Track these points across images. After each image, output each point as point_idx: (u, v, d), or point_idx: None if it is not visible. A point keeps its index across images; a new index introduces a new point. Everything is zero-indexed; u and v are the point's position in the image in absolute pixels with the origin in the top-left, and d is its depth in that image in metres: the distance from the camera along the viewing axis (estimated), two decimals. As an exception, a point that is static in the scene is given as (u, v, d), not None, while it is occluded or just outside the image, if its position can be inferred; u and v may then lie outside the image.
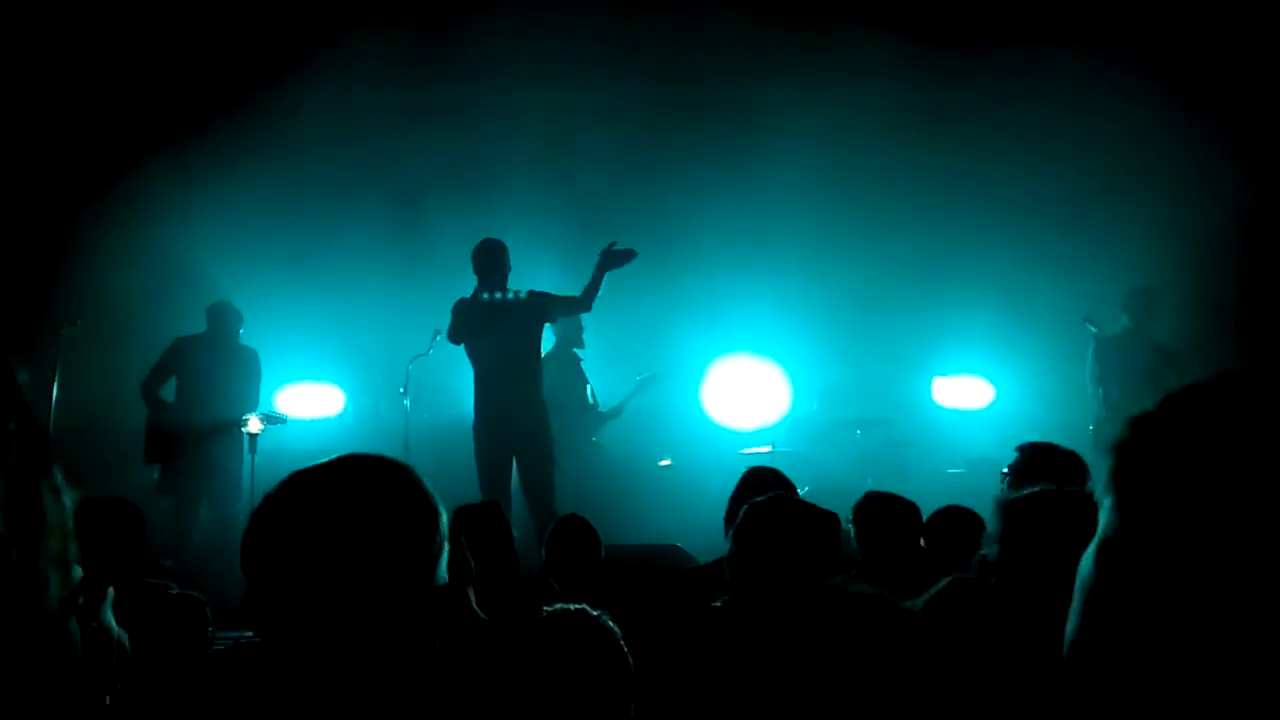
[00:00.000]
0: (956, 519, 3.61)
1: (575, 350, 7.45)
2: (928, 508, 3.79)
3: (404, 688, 1.18)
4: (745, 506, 2.67)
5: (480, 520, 3.65)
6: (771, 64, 8.04)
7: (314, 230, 8.02)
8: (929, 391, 8.47)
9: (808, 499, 2.90)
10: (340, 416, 8.39)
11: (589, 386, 7.52)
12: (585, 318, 7.15)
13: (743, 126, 8.06)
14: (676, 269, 8.10)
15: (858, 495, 3.95)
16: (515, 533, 3.93)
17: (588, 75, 7.91)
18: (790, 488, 3.69)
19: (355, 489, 1.24)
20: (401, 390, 6.99)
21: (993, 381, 8.30)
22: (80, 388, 6.52)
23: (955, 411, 8.38)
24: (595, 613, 2.02)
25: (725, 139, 8.12)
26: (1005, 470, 3.11)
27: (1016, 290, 7.65)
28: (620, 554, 4.82)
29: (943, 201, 8.02)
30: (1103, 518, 0.92)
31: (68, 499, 0.95)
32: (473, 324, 6.08)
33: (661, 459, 7.87)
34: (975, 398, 8.39)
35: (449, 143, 8.13)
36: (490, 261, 6.16)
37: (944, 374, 8.43)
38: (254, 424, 6.59)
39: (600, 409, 7.56)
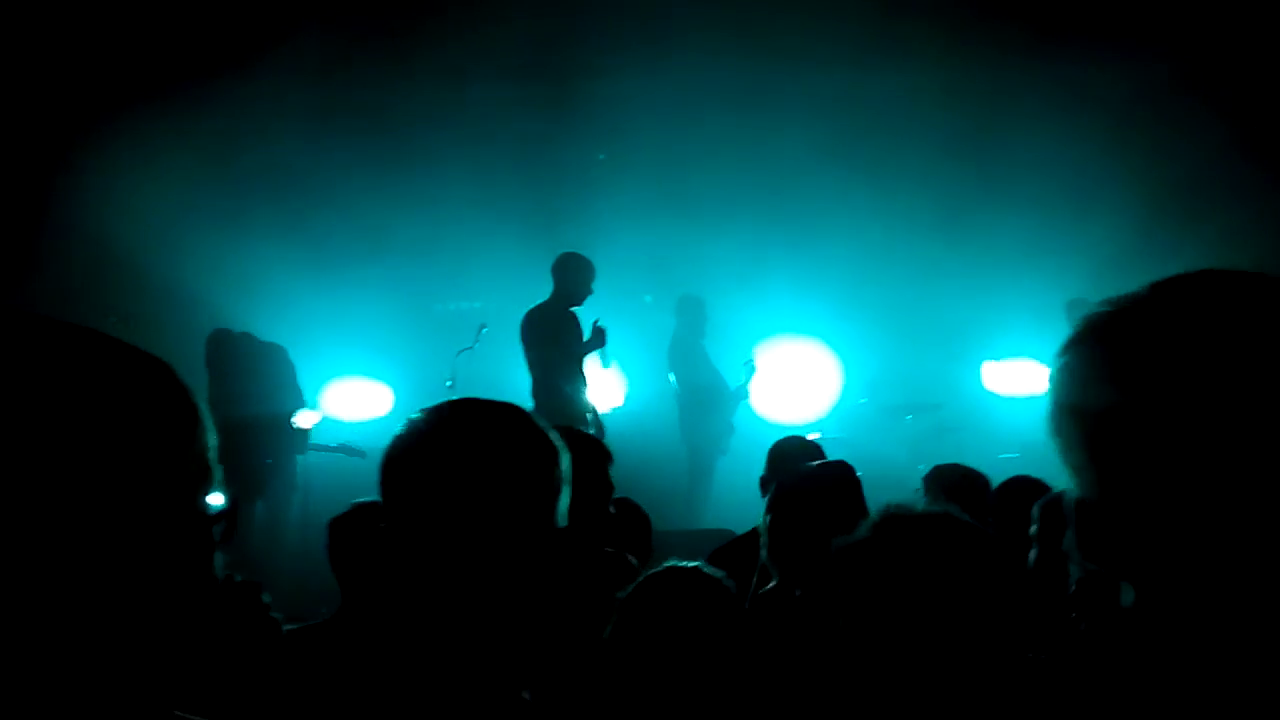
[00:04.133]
0: (1025, 490, 3.52)
1: (701, 341, 7.45)
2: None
3: (523, 626, 1.25)
4: (774, 484, 2.70)
5: None
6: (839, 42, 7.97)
7: (356, 225, 8.07)
8: (978, 377, 8.37)
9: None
10: (390, 416, 8.45)
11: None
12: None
13: (800, 111, 7.99)
14: (725, 254, 8.06)
15: (910, 482, 3.90)
16: None
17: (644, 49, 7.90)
18: (821, 455, 3.67)
19: (482, 428, 1.30)
20: (449, 384, 7.03)
21: (1047, 365, 8.11)
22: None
23: (1005, 398, 8.25)
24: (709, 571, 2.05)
25: (780, 121, 8.04)
26: None
27: (1070, 273, 7.54)
28: (671, 539, 4.81)
29: (996, 188, 7.92)
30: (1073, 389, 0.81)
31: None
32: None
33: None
34: (1028, 383, 8.23)
35: (498, 134, 8.12)
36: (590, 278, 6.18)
37: (995, 358, 8.32)
38: (304, 419, 6.68)
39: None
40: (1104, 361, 0.80)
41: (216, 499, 0.91)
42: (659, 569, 2.05)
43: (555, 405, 5.80)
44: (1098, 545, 0.79)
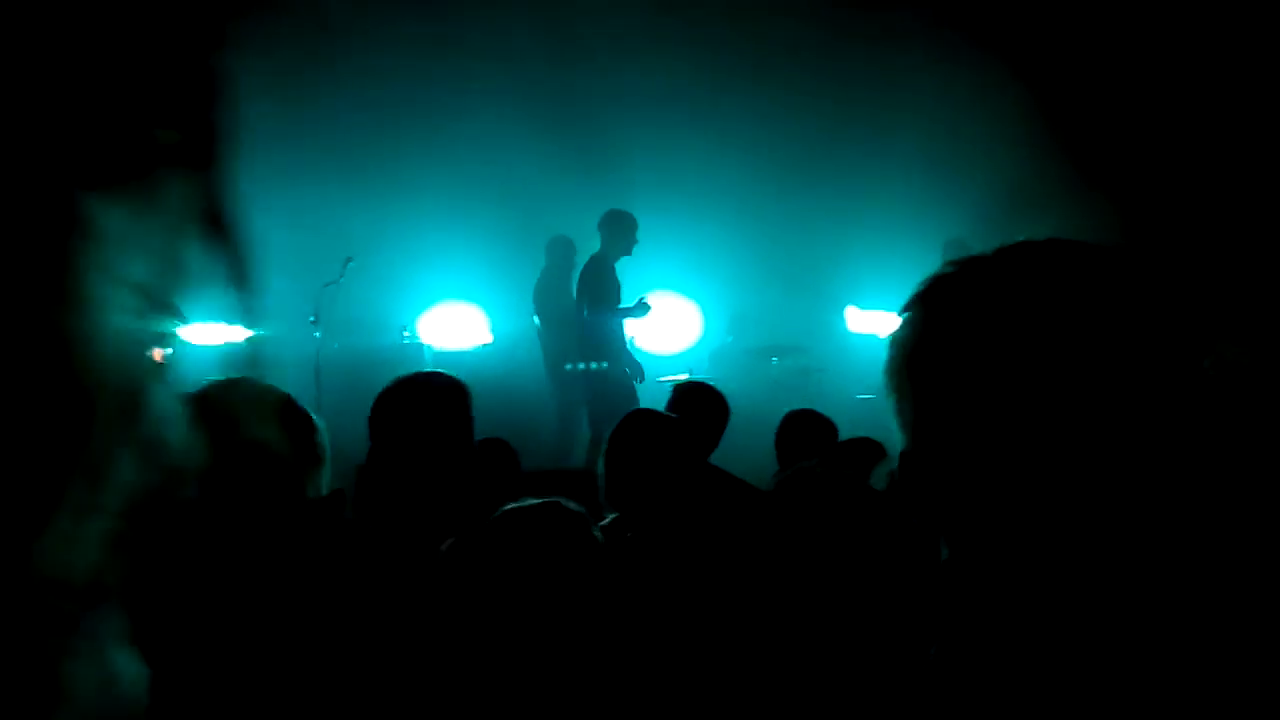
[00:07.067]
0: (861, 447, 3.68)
1: (569, 283, 7.45)
2: (841, 432, 3.87)
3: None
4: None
5: None
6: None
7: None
8: (842, 320, 8.66)
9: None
10: (248, 342, 8.12)
11: None
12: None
13: (662, 72, 7.94)
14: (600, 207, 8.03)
15: (774, 421, 4.02)
16: None
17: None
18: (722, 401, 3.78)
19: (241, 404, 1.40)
20: (312, 319, 6.82)
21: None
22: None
23: (867, 339, 8.58)
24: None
25: (644, 87, 7.99)
26: None
27: (924, 227, 7.80)
28: (539, 479, 4.82)
29: (853, 149, 8.08)
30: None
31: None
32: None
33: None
34: (886, 326, 8.58)
35: (368, 54, 7.81)
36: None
37: (858, 304, 8.62)
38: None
39: None
40: (939, 320, 0.83)
41: None
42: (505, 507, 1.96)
43: (590, 352, 6.36)
44: (916, 496, 0.82)
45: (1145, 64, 7.46)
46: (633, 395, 6.23)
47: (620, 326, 6.56)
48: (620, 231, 6.56)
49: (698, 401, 3.77)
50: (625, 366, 6.46)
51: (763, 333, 8.18)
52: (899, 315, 0.87)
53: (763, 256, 8.27)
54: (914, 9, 7.80)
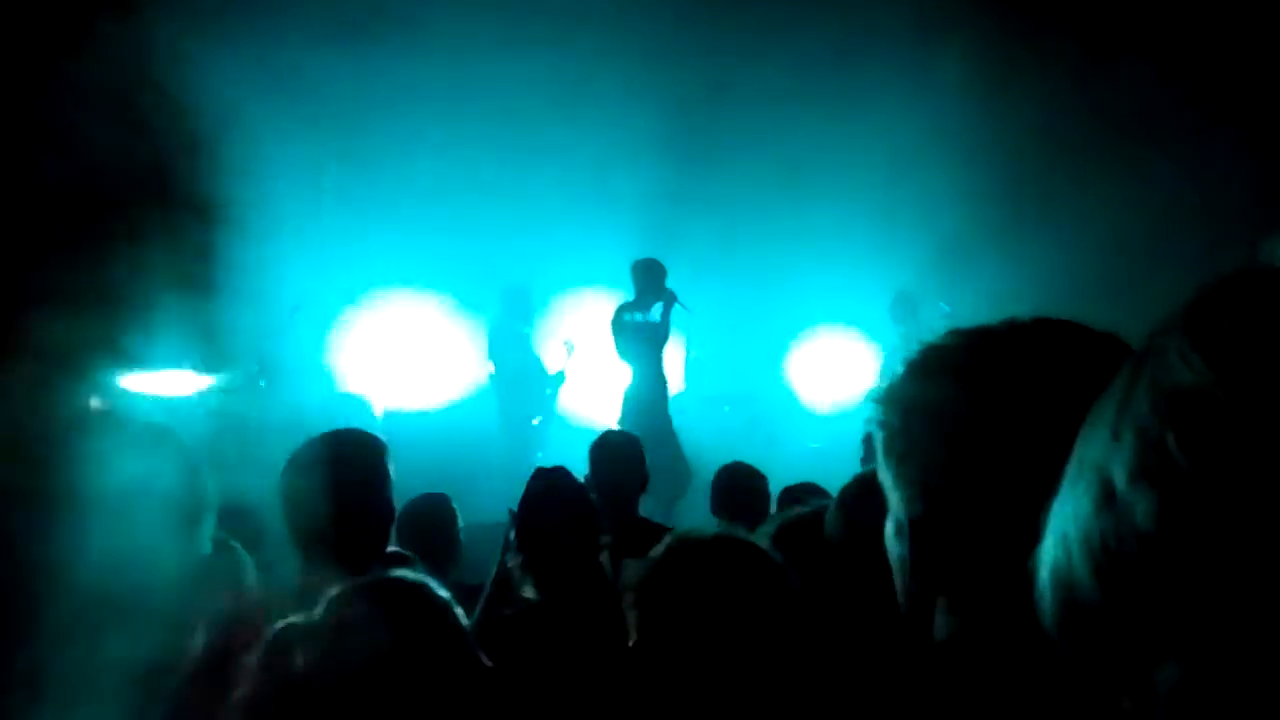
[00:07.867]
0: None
1: (525, 330, 7.35)
2: (788, 480, 3.87)
3: None
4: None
5: None
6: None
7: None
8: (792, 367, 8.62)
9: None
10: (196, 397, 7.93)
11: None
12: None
13: (613, 122, 7.97)
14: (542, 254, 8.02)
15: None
16: None
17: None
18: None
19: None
20: (255, 369, 6.70)
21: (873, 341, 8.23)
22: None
23: (819, 387, 8.53)
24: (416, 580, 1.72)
25: (593, 137, 8.01)
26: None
27: (872, 275, 7.86)
28: (485, 532, 4.75)
29: (805, 195, 8.15)
30: (890, 498, 0.87)
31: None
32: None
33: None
34: (833, 391, 8.36)
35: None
36: (657, 279, 6.68)
37: (827, 322, 8.54)
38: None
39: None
40: (955, 394, 0.84)
41: None
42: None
43: (635, 398, 6.55)
44: (928, 564, 0.84)
45: (1083, 113, 7.65)
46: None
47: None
48: (651, 278, 6.83)
49: (613, 455, 3.73)
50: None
51: (714, 381, 8.17)
52: (898, 382, 0.87)
53: (713, 304, 8.28)
54: (866, 61, 7.87)
